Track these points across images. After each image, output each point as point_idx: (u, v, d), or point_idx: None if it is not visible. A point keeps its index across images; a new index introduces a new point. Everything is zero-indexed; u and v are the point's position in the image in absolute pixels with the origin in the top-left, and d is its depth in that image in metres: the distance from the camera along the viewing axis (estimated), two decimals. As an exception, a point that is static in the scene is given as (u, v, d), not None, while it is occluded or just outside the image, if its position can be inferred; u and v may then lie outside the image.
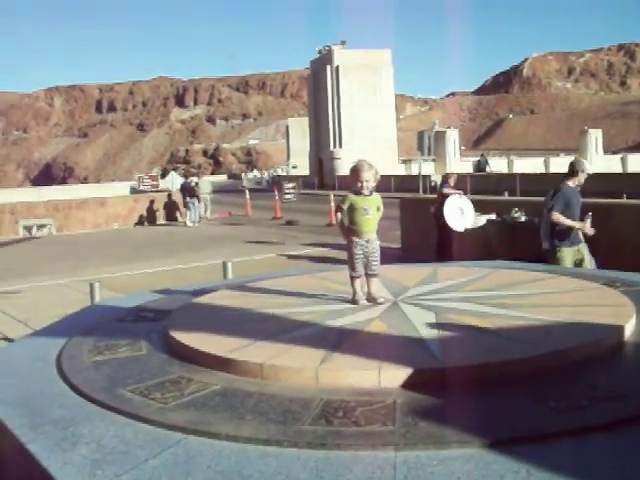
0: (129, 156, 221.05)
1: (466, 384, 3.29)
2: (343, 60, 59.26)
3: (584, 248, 8.64)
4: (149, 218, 29.76)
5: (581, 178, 8.57)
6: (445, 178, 15.18)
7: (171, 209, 30.95)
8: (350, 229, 4.99)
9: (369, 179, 4.91)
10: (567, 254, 8.45)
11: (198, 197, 29.02)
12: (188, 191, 28.83)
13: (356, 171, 4.94)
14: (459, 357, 3.63)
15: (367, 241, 4.94)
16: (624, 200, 19.83)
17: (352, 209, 4.95)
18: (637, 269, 7.07)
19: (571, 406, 2.97)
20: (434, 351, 3.66)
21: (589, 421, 2.80)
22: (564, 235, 8.48)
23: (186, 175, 46.70)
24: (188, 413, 3.12)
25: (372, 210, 4.94)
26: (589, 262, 8.60)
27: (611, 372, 3.52)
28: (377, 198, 5.01)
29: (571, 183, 8.58)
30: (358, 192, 4.93)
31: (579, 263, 8.49)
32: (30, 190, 63.00)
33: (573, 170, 8.60)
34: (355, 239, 4.94)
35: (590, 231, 8.45)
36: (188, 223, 28.16)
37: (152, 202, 30.56)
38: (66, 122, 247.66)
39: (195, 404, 3.24)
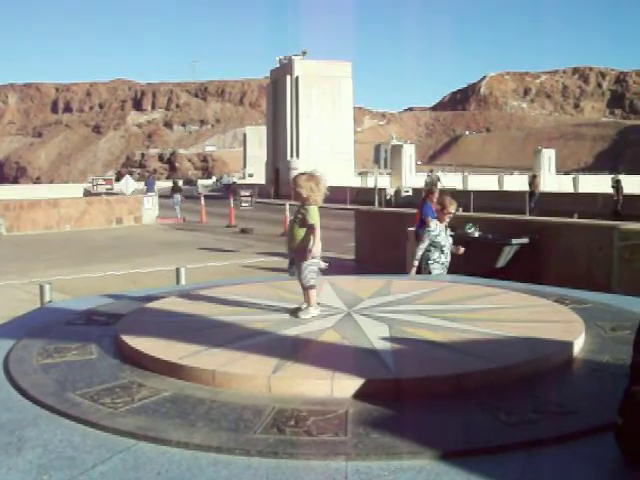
0: (84, 158, 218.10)
1: (418, 396, 3.31)
2: (303, 70, 59.38)
3: None
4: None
5: None
6: (427, 194, 12.51)
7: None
8: None
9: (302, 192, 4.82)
10: None
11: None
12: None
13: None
14: (412, 369, 3.64)
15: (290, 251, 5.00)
16: (575, 220, 20.18)
17: None
18: (589, 285, 7.22)
19: (522, 420, 3.00)
20: (387, 362, 3.67)
21: (539, 435, 2.84)
22: None
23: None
24: (138, 419, 3.07)
25: (295, 222, 4.91)
26: None
27: (561, 387, 3.56)
28: (308, 209, 4.82)
29: None
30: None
31: None
32: (-20, 189, 61.81)
33: None
34: None
35: None
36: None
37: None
38: (20, 121, 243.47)
39: (146, 410, 3.19)
